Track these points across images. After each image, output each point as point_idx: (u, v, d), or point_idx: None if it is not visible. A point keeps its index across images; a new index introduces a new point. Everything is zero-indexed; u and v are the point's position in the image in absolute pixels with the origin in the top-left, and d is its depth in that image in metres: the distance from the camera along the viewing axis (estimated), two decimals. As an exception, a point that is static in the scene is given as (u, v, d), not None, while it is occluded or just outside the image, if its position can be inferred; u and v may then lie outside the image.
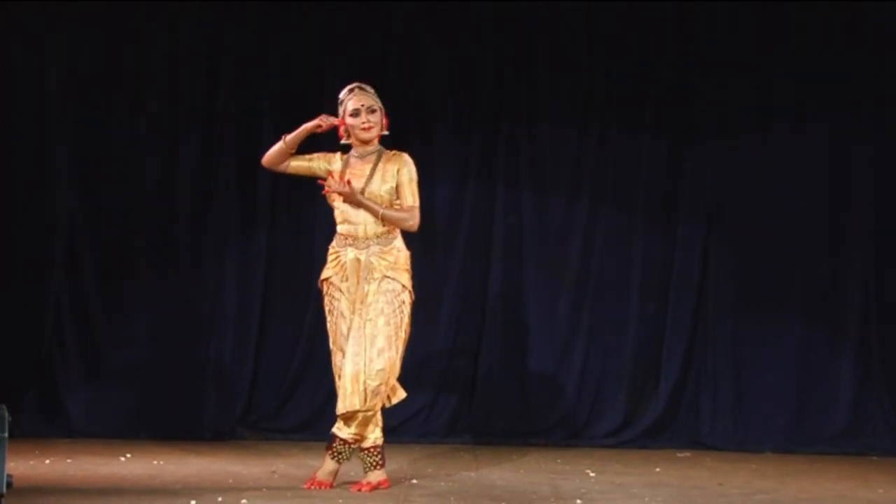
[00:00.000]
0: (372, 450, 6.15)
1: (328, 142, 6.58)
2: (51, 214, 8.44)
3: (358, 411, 6.04)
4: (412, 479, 6.60)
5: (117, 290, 8.46)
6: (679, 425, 8.54)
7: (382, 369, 6.08)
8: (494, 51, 8.65)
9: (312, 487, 6.12)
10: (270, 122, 8.27)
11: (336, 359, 6.25)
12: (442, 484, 6.43)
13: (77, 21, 8.46)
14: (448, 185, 8.63)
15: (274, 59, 8.55)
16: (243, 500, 5.62)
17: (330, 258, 6.29)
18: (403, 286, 6.24)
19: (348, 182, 6.14)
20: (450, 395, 8.56)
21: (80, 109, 8.48)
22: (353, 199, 6.17)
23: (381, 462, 6.18)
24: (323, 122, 6.26)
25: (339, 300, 6.20)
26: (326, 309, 6.30)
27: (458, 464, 7.37)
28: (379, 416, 6.20)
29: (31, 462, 6.90)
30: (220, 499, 5.63)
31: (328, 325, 6.31)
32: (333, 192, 6.19)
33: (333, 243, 6.31)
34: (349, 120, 6.24)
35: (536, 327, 8.61)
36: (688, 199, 8.64)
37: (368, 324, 6.10)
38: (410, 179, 6.28)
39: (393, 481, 6.44)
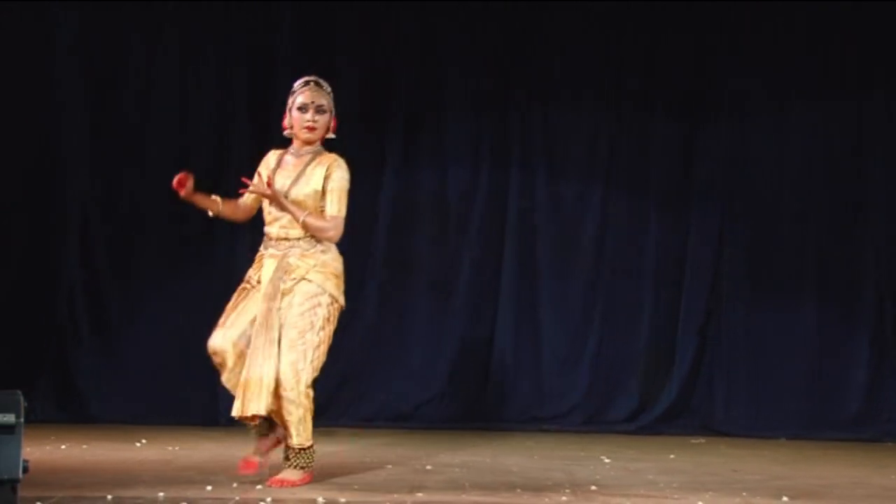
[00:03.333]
0: (299, 451, 5.74)
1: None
2: (64, 202, 8.47)
3: (256, 416, 5.67)
4: (427, 465, 6.60)
5: (131, 275, 8.48)
6: (693, 411, 8.54)
7: (287, 375, 5.63)
8: (508, 34, 8.64)
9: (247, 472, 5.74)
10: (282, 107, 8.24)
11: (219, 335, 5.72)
12: (457, 470, 6.43)
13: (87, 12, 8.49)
14: (461, 169, 8.63)
15: (285, 40, 8.53)
16: (258, 486, 5.63)
17: (256, 262, 5.85)
18: (323, 290, 5.75)
19: (268, 183, 5.69)
20: (464, 381, 8.56)
21: (92, 96, 8.49)
22: (275, 201, 5.73)
23: (301, 463, 5.77)
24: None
25: (252, 290, 5.78)
26: (235, 294, 5.81)
27: (472, 450, 7.37)
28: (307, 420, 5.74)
29: (48, 447, 6.92)
30: (234, 485, 5.64)
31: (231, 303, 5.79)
32: (253, 192, 5.78)
33: (261, 246, 5.87)
34: (294, 114, 5.80)
35: (550, 313, 8.61)
36: (702, 184, 8.63)
37: (283, 328, 5.66)
38: (340, 188, 5.79)
39: (406, 467, 6.45)
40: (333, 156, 5.89)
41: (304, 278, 5.73)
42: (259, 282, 5.78)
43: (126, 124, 8.52)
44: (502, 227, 8.65)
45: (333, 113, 5.90)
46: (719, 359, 8.57)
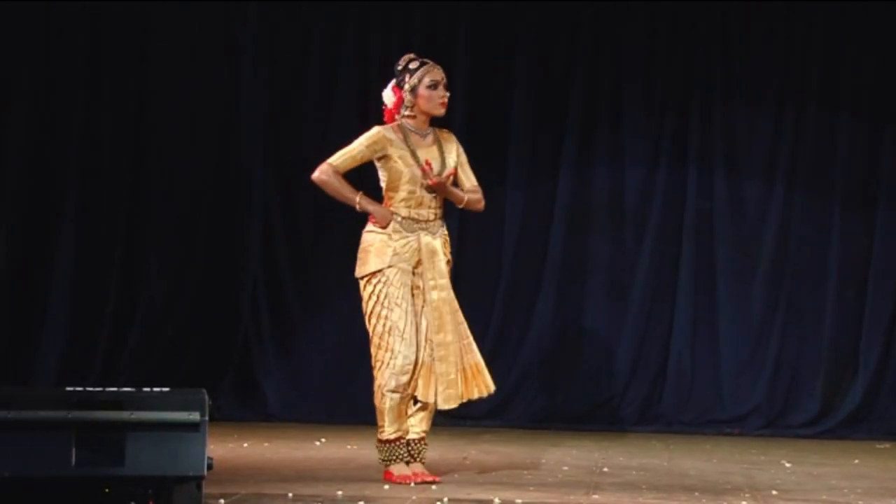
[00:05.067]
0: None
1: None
2: (247, 206, 8.68)
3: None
4: (603, 467, 6.58)
5: (311, 277, 8.65)
6: (879, 415, 8.35)
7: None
8: (688, 34, 8.57)
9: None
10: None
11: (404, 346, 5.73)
12: (633, 473, 6.39)
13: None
14: (638, 169, 8.58)
15: (462, 44, 8.60)
16: (433, 486, 5.68)
17: (398, 242, 5.76)
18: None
19: (449, 174, 5.77)
20: (641, 383, 8.51)
21: (274, 105, 8.68)
22: (443, 190, 5.79)
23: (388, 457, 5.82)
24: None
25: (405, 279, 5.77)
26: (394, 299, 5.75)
27: (649, 452, 7.32)
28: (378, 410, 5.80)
29: (230, 445, 7.08)
30: (412, 484, 5.70)
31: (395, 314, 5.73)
32: (432, 184, 5.73)
33: (393, 226, 5.76)
34: (425, 92, 5.76)
35: (729, 314, 8.50)
36: (888, 183, 8.43)
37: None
38: (466, 161, 5.93)
39: (582, 469, 6.44)
40: (447, 131, 5.99)
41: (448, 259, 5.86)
42: (416, 266, 5.77)
43: (306, 129, 8.68)
44: (680, 228, 8.57)
45: None
46: (906, 362, 8.37)
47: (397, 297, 5.73)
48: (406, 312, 5.73)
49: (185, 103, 8.67)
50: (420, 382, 5.77)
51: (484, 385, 5.83)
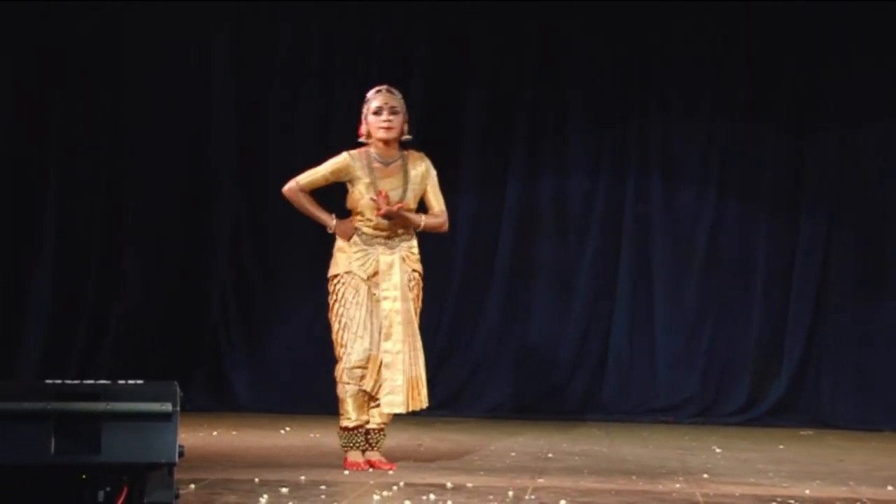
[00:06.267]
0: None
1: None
2: (217, 211, 8.66)
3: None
4: (548, 453, 6.61)
5: (275, 279, 8.62)
6: (802, 404, 8.41)
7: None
8: (626, 51, 8.60)
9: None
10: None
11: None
12: (576, 458, 6.42)
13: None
14: (582, 175, 8.61)
15: (421, 60, 8.60)
16: (390, 472, 5.69)
17: (357, 254, 5.79)
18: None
19: (399, 207, 5.73)
20: (583, 376, 8.54)
21: (241, 110, 8.66)
22: (400, 218, 5.77)
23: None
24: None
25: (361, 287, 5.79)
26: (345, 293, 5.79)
27: (590, 439, 7.36)
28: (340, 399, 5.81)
29: (201, 434, 7.06)
30: (370, 469, 5.70)
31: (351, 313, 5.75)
32: (386, 214, 5.72)
33: (354, 239, 5.79)
34: (371, 118, 5.78)
35: (665, 311, 8.55)
36: (811, 190, 8.49)
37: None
38: (437, 183, 5.89)
39: (529, 455, 6.46)
40: (419, 154, 5.92)
41: (415, 270, 5.85)
42: (372, 276, 5.77)
43: (271, 137, 8.67)
44: (619, 231, 8.61)
45: (406, 116, 5.87)
46: (827, 354, 8.42)
47: (353, 298, 5.75)
48: (359, 313, 5.74)
49: (157, 115, 8.62)
50: (372, 381, 5.77)
51: (420, 400, 5.77)
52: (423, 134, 8.18)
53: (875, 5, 8.37)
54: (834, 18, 8.46)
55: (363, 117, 5.84)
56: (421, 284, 5.91)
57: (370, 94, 5.86)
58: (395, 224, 5.82)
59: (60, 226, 8.51)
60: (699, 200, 8.58)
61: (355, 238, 5.80)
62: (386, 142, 5.81)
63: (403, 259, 5.83)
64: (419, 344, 5.81)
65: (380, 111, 5.79)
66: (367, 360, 5.75)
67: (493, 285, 8.60)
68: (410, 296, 5.83)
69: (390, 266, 5.79)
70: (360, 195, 5.78)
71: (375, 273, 5.80)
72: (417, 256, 5.91)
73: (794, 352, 8.43)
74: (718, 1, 8.51)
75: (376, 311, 5.78)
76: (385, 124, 5.77)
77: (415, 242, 5.92)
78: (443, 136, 8.53)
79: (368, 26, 8.68)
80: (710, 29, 8.57)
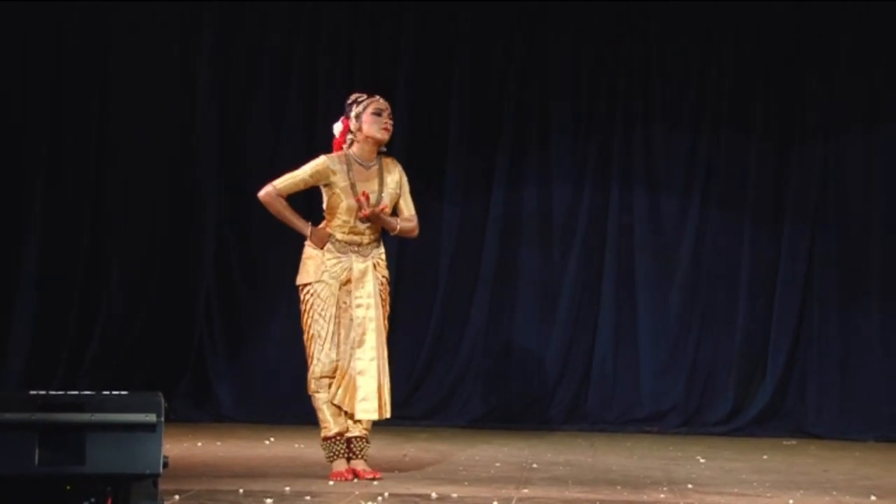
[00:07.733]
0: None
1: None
2: (202, 221, 8.64)
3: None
4: (532, 463, 6.62)
5: (260, 290, 8.61)
6: (786, 414, 8.43)
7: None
8: (611, 62, 8.63)
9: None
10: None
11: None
12: (560, 468, 6.43)
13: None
14: (566, 185, 8.64)
15: (405, 65, 8.62)
16: (375, 482, 5.69)
17: (330, 262, 5.79)
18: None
19: (382, 208, 5.78)
20: (567, 385, 8.55)
21: (224, 118, 8.66)
22: (378, 219, 5.82)
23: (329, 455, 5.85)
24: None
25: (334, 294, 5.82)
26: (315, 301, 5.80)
27: (575, 449, 7.37)
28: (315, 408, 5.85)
29: (185, 444, 7.05)
30: (355, 480, 5.71)
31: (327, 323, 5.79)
32: (369, 215, 5.76)
33: (328, 246, 5.80)
34: (369, 118, 5.79)
35: (649, 321, 8.56)
36: (794, 200, 8.53)
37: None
38: (408, 190, 5.94)
39: (513, 465, 6.47)
40: (392, 159, 5.98)
41: (385, 277, 5.88)
42: (345, 284, 5.78)
43: (254, 144, 8.68)
44: (603, 241, 8.62)
45: None
46: (811, 365, 8.45)
47: (322, 309, 5.78)
48: (329, 323, 5.77)
49: (143, 123, 8.61)
50: (340, 392, 5.77)
51: (384, 409, 5.77)
52: (407, 142, 8.27)
53: (857, 17, 8.43)
54: (816, 31, 8.51)
55: (353, 117, 5.85)
56: (388, 290, 5.96)
57: (363, 98, 5.89)
58: (371, 228, 5.85)
59: (44, 236, 8.49)
60: (683, 210, 8.61)
61: (329, 245, 5.83)
62: (379, 143, 5.87)
63: (375, 266, 5.87)
64: (386, 353, 5.84)
65: (381, 113, 5.86)
66: (335, 370, 5.77)
67: (477, 295, 8.60)
68: (381, 303, 5.85)
69: (363, 273, 5.82)
70: (339, 198, 5.81)
71: (348, 281, 5.82)
72: (385, 263, 5.97)
73: (778, 361, 8.45)
74: (702, 13, 8.56)
75: (345, 320, 5.80)
76: (386, 125, 5.85)
77: (383, 249, 5.98)
78: (427, 144, 8.57)
79: (353, 33, 8.68)
80: (693, 41, 8.61)
